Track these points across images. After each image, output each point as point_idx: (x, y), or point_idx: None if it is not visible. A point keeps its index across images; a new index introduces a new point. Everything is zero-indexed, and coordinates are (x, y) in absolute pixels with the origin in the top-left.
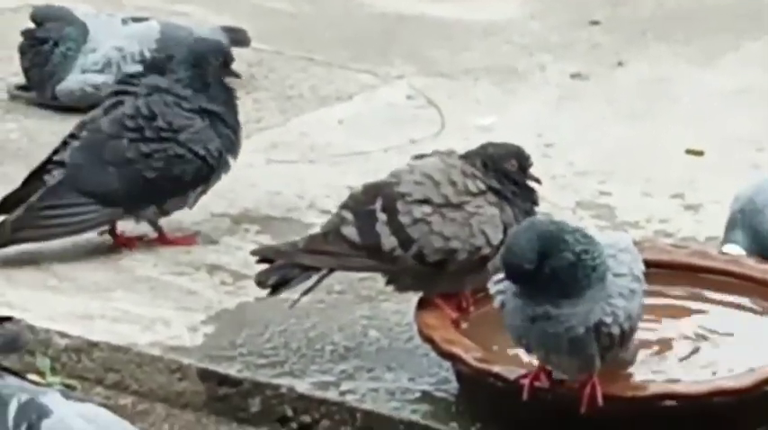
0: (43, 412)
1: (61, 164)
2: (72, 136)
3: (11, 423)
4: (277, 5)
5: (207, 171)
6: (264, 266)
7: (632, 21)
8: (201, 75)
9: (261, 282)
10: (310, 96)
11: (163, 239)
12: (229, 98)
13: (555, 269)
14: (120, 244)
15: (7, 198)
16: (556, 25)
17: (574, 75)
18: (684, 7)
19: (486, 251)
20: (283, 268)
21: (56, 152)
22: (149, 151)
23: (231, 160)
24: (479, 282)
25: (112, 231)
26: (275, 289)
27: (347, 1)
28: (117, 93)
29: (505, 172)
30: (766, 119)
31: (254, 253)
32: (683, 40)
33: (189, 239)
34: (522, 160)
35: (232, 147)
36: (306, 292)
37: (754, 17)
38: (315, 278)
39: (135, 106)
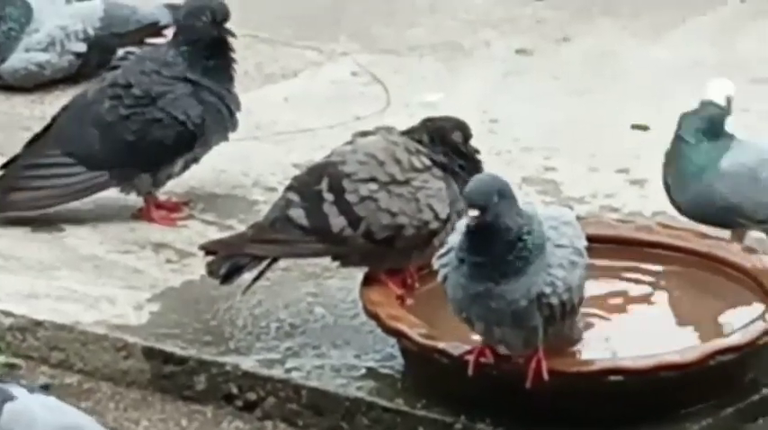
0: (7, 396)
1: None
2: (64, 108)
3: None
4: None
5: (189, 137)
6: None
7: None
8: (192, 34)
9: (212, 271)
10: (255, 74)
11: (147, 214)
12: (223, 68)
13: (500, 230)
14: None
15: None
16: (501, 1)
17: (519, 50)
18: None
19: (434, 226)
20: (233, 256)
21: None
22: (127, 114)
23: (222, 131)
24: (426, 258)
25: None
26: (227, 277)
27: None
28: (113, 67)
29: (452, 144)
30: None
31: (202, 247)
32: (629, 15)
33: (168, 220)
34: (466, 131)
35: (219, 117)
36: (257, 278)
37: None
38: (265, 263)
39: (114, 76)
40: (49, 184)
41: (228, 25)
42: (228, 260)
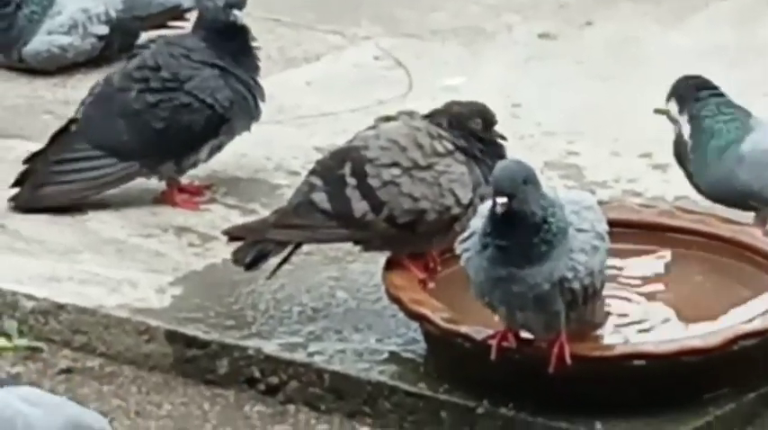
0: None
1: (77, 120)
2: (89, 94)
3: None
4: None
5: (217, 120)
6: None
7: None
8: (206, 17)
9: (237, 259)
10: (278, 58)
11: (169, 197)
12: (247, 56)
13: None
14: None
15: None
16: None
17: (542, 35)
18: None
19: (456, 211)
20: (258, 243)
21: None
22: (155, 101)
23: (247, 119)
24: (448, 242)
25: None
26: (252, 265)
27: None
28: (134, 54)
29: (471, 130)
30: (734, 78)
31: (225, 232)
32: (651, 0)
33: (190, 204)
34: (487, 118)
35: (244, 104)
36: (282, 263)
37: None
38: (290, 248)
39: (141, 58)
40: (80, 178)
41: (245, 11)
42: (253, 248)
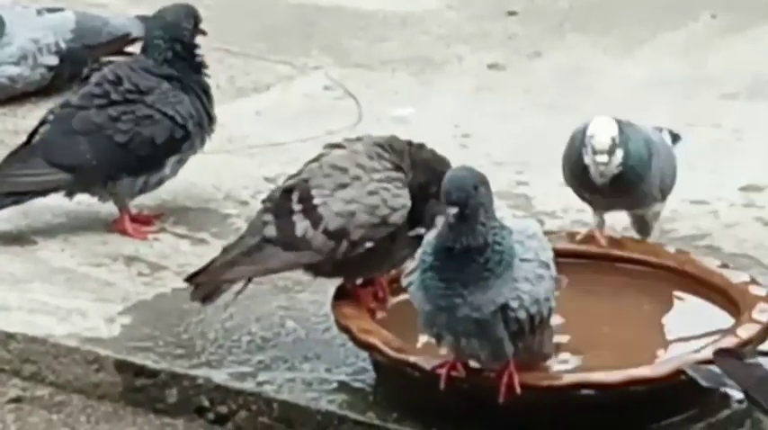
0: None
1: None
2: (44, 120)
3: None
4: None
5: (180, 134)
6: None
7: (549, 11)
8: (178, 43)
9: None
10: (227, 87)
11: (120, 225)
12: (197, 72)
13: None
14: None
15: None
16: (473, 16)
17: (491, 65)
18: None
19: (385, 211)
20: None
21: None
22: (117, 114)
23: (203, 134)
24: (394, 265)
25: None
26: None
27: None
28: (86, 78)
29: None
30: (683, 109)
31: (186, 280)
32: (600, 31)
33: (140, 233)
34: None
35: (200, 119)
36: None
37: (671, 8)
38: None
39: (101, 75)
40: (27, 181)
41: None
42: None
